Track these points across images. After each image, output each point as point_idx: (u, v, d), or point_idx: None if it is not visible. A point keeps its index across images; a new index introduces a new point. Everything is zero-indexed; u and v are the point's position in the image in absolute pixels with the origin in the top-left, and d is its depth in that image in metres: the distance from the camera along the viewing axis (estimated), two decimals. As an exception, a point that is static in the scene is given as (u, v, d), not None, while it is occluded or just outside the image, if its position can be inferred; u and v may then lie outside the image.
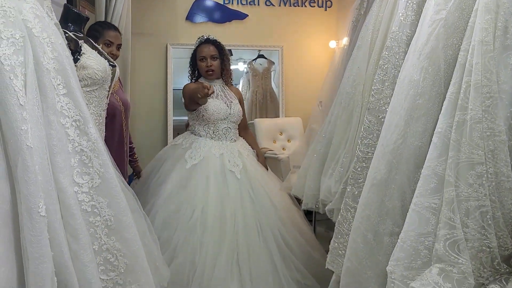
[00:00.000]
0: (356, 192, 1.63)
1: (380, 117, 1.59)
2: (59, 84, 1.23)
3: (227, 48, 4.61)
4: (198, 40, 2.81)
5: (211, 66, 2.75)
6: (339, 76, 2.24)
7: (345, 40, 2.36)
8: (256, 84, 5.30)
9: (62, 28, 1.92)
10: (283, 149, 4.40)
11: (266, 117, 5.02)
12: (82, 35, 2.00)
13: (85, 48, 1.91)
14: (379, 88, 1.60)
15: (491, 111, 1.19)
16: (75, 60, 1.86)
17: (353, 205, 1.64)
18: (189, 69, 2.87)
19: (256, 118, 5.00)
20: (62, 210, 1.17)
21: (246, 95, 5.48)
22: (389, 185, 1.43)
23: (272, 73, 5.13)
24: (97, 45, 2.15)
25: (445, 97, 1.30)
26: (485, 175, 1.20)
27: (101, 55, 2.12)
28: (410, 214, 1.31)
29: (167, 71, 4.45)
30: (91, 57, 1.90)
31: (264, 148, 4.06)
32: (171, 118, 4.45)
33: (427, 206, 1.29)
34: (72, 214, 1.18)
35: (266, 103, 5.30)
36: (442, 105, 1.31)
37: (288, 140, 4.48)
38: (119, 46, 2.59)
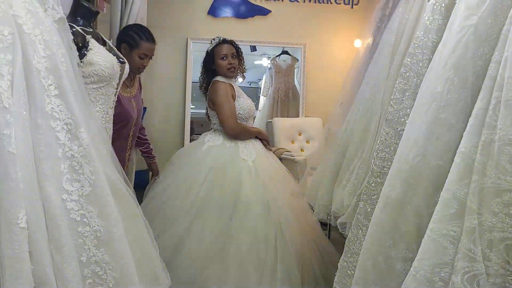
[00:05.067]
0: (369, 209, 1.51)
1: (399, 129, 1.46)
2: (50, 85, 1.15)
3: (249, 44, 4.55)
4: (215, 41, 2.80)
5: (233, 64, 2.76)
6: (360, 78, 2.12)
7: (366, 42, 2.22)
8: (279, 80, 5.19)
9: (71, 22, 1.86)
10: (301, 150, 4.29)
11: (288, 115, 4.91)
12: (91, 29, 1.93)
13: (93, 43, 1.84)
14: (399, 98, 1.47)
15: (524, 133, 1.05)
16: (82, 56, 1.79)
17: (365, 223, 1.52)
18: (203, 70, 2.85)
19: (277, 115, 4.90)
20: (46, 220, 1.10)
21: (268, 91, 5.37)
22: (404, 206, 1.30)
23: (295, 70, 5.01)
24: (107, 40, 2.08)
25: (471, 113, 1.17)
26: (513, 204, 1.07)
27: (111, 50, 2.05)
28: (426, 241, 1.18)
29: (187, 65, 4.38)
30: (98, 53, 1.83)
31: (281, 148, 3.95)
32: (189, 110, 4.40)
33: (445, 234, 1.16)
34: (57, 225, 1.10)
35: (288, 100, 5.19)
36: (468, 122, 1.18)
37: (307, 141, 4.36)
38: (152, 56, 2.51)
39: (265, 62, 5.27)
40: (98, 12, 2.02)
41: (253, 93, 5.47)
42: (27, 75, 1.10)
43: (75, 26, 1.81)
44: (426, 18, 1.43)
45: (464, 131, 1.19)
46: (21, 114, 1.06)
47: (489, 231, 1.10)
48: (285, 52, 4.88)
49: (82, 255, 1.19)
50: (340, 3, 4.50)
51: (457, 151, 1.18)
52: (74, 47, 1.63)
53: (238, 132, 2.68)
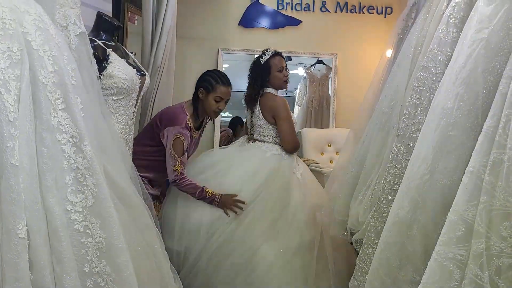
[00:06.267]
0: (380, 227, 1.47)
1: (411, 145, 1.41)
2: (57, 99, 1.19)
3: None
4: (268, 52, 2.83)
5: (287, 76, 2.86)
6: (380, 91, 2.07)
7: (389, 53, 2.17)
8: (313, 90, 5.14)
9: (94, 36, 1.93)
10: (330, 161, 4.21)
11: (321, 125, 4.85)
12: (113, 43, 1.99)
13: (113, 57, 1.89)
14: (411, 113, 1.42)
15: (534, 153, 0.99)
16: (102, 69, 1.85)
17: (375, 241, 1.47)
18: (254, 80, 2.83)
19: (311, 125, 4.86)
20: (48, 231, 1.13)
21: (302, 101, 5.34)
22: (412, 226, 1.26)
23: (330, 79, 4.95)
24: (129, 53, 2.14)
25: (481, 131, 1.11)
26: (523, 229, 1.01)
27: (132, 63, 2.10)
28: (431, 264, 1.13)
29: (218, 75, 4.42)
30: (118, 66, 1.88)
31: (309, 160, 3.91)
32: (219, 118, 4.42)
33: (451, 258, 1.10)
34: (58, 236, 1.13)
35: (322, 110, 5.12)
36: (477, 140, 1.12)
37: (336, 153, 4.27)
38: (227, 100, 2.58)
39: (301, 71, 5.25)
40: (120, 26, 2.08)
41: (290, 102, 5.44)
42: (34, 90, 1.14)
43: (97, 40, 1.88)
44: (440, 30, 1.38)
45: (473, 150, 1.13)
46: (26, 127, 1.10)
47: (497, 256, 1.04)
48: (320, 62, 4.84)
49: (84, 266, 1.21)
50: (373, 13, 4.42)
51: (466, 170, 1.12)
52: (94, 61, 1.69)
53: (297, 147, 2.83)
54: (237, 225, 2.49)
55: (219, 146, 4.35)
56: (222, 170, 2.70)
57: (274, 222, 2.54)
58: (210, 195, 2.42)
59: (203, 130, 2.77)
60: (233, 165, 2.70)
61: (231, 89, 2.56)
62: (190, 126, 2.43)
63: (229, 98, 2.56)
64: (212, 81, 2.49)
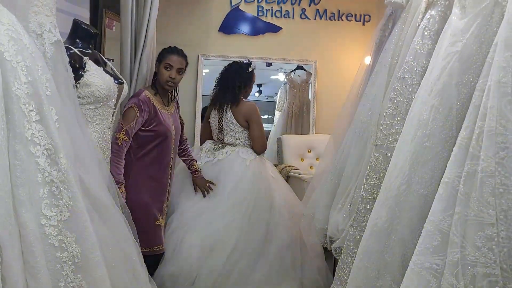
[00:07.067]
0: (358, 236, 1.48)
1: (388, 155, 1.43)
2: (31, 110, 1.16)
3: (260, 60, 4.56)
4: (252, 65, 3.04)
5: None
6: (359, 99, 2.09)
7: (367, 60, 2.20)
8: (293, 96, 5.16)
9: (70, 44, 1.90)
10: (310, 167, 4.23)
11: (302, 131, 4.87)
12: (90, 51, 1.96)
13: (90, 65, 1.86)
14: (389, 123, 1.44)
15: (506, 165, 1.01)
16: (79, 77, 1.82)
17: (354, 250, 1.48)
18: (240, 83, 2.96)
19: (291, 131, 4.88)
20: (22, 247, 1.10)
21: (283, 106, 5.35)
22: (389, 235, 1.27)
23: (310, 85, 4.98)
24: (107, 61, 2.11)
25: (456, 142, 1.13)
26: (496, 239, 1.03)
27: (110, 71, 2.08)
28: (408, 274, 1.14)
29: (198, 80, 4.41)
30: (95, 75, 1.85)
31: (289, 166, 3.92)
32: (199, 123, 4.41)
33: (428, 267, 1.12)
34: (32, 251, 1.11)
35: (302, 116, 5.15)
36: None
37: (316, 159, 4.30)
38: (180, 70, 2.52)
39: (282, 77, 5.26)
40: (97, 34, 2.05)
41: (270, 107, 5.46)
42: (7, 102, 1.12)
43: (73, 48, 1.85)
44: (416, 42, 1.41)
45: (448, 160, 1.15)
46: (-1, 140, 1.08)
47: (472, 265, 1.05)
48: (300, 67, 4.86)
49: (60, 281, 1.18)
50: (351, 20, 4.47)
51: (441, 181, 1.14)
52: (70, 69, 1.66)
53: (265, 148, 3.07)
54: (239, 237, 2.64)
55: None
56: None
57: (267, 225, 2.75)
58: (121, 192, 2.25)
59: (178, 108, 2.74)
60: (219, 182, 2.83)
61: (184, 59, 2.56)
62: (149, 97, 2.39)
63: (182, 68, 2.53)
64: (163, 51, 2.55)
